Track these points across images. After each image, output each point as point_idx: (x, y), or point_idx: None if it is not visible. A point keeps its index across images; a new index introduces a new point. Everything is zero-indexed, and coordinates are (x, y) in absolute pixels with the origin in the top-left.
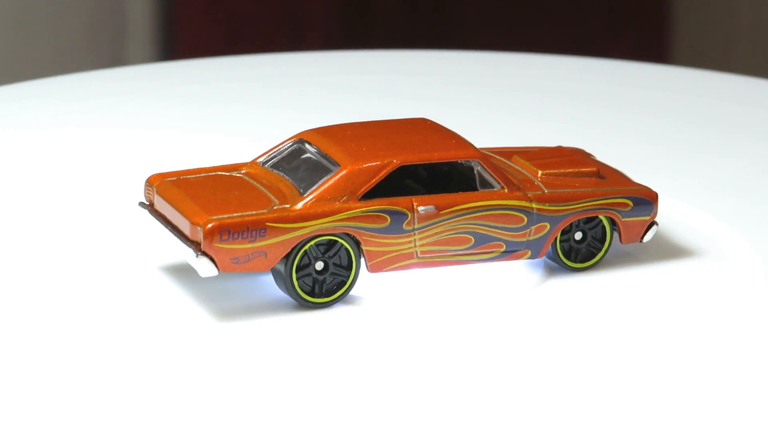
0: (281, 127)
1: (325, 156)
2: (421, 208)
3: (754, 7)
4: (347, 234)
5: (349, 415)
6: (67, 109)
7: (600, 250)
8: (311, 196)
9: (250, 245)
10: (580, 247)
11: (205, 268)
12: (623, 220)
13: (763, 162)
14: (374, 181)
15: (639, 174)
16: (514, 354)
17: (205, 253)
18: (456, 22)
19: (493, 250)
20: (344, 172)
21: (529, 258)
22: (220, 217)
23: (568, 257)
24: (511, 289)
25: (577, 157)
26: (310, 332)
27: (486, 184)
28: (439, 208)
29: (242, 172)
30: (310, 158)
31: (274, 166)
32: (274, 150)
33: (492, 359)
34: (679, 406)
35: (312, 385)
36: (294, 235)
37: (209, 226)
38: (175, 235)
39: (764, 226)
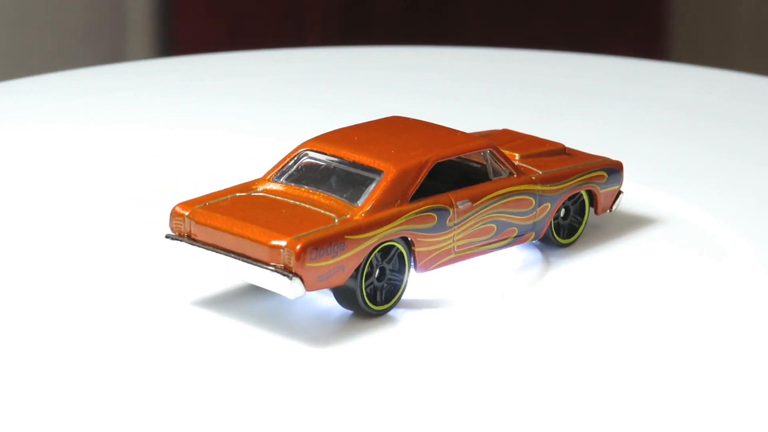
0: (281, 123)
1: (352, 163)
2: (459, 203)
3: (753, 4)
4: (402, 237)
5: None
6: (66, 106)
7: (580, 223)
8: (370, 204)
9: (332, 260)
10: (565, 223)
11: (296, 289)
12: (601, 191)
13: (763, 159)
14: (419, 181)
15: (638, 169)
16: (529, 351)
17: (296, 274)
18: (455, 19)
19: (509, 236)
20: (392, 175)
21: (532, 240)
22: (302, 235)
23: (557, 234)
24: (517, 283)
25: (535, 137)
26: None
27: (497, 172)
28: (472, 201)
29: (260, 189)
30: (333, 168)
31: (295, 180)
32: (282, 165)
33: (509, 357)
34: (680, 401)
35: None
36: (366, 245)
37: (299, 246)
38: (242, 260)
39: (762, 221)
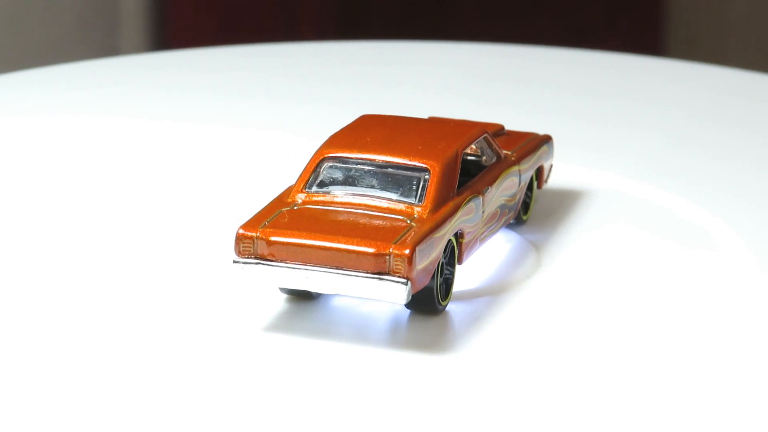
0: (277, 116)
1: (387, 164)
2: (485, 191)
3: (747, 0)
4: (456, 231)
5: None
6: (59, 99)
7: (531, 198)
8: (431, 201)
9: (427, 261)
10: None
11: (408, 294)
12: (544, 166)
13: (756, 155)
14: (457, 173)
15: (635, 166)
16: (534, 346)
17: (408, 279)
18: (452, 13)
19: (503, 218)
20: (438, 170)
21: (511, 220)
22: (400, 239)
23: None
24: (518, 278)
25: (469, 120)
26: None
27: (490, 157)
28: (490, 187)
29: (300, 202)
30: (368, 171)
31: (333, 188)
32: (309, 175)
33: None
34: (675, 400)
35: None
36: (444, 241)
37: (407, 250)
38: (341, 273)
39: (754, 216)
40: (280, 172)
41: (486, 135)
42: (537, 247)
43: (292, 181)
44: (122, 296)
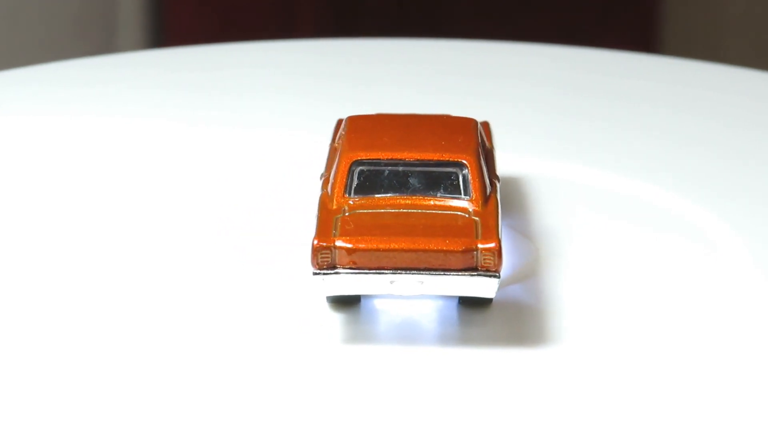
0: (275, 113)
1: (422, 163)
2: (498, 180)
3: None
4: None
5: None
6: (57, 97)
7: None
8: (479, 194)
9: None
10: None
11: (498, 287)
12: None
13: (753, 153)
14: (484, 164)
15: (629, 165)
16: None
17: (498, 273)
18: (445, 11)
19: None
20: (474, 163)
21: None
22: (483, 234)
23: None
24: (530, 264)
25: (417, 113)
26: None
27: (483, 148)
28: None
29: (347, 208)
30: (402, 171)
31: (375, 192)
32: (345, 181)
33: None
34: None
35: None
36: (501, 234)
37: (493, 244)
38: (424, 274)
39: (752, 214)
40: (277, 170)
41: (479, 126)
42: (519, 231)
43: (293, 182)
44: (147, 305)
